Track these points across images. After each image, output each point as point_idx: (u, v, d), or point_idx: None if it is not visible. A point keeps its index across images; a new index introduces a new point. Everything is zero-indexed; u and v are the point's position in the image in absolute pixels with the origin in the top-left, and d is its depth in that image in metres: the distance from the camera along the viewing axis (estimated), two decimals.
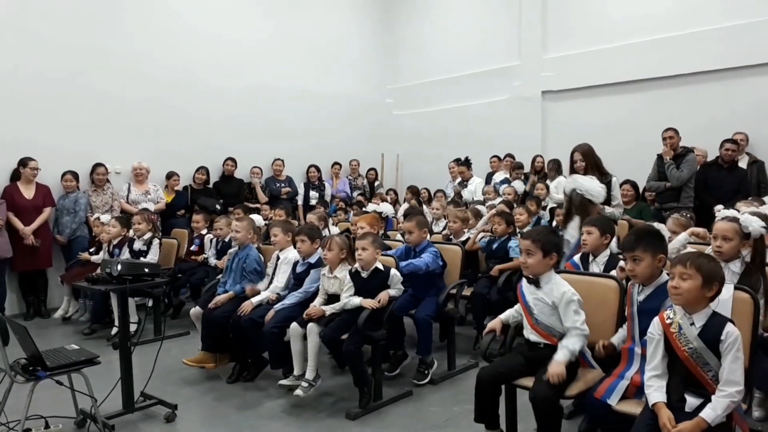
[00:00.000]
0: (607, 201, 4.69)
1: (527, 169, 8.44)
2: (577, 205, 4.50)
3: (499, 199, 6.81)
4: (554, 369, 2.70)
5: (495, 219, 5.24)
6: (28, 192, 6.52)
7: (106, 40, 7.33)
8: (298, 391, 3.76)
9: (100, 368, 3.46)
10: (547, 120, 9.19)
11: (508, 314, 3.18)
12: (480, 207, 6.50)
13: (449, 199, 8.11)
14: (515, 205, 6.28)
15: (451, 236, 5.49)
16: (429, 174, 9.80)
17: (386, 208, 6.67)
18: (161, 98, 7.83)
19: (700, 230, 4.08)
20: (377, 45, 10.97)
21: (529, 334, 3.01)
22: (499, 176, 8.59)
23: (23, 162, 6.47)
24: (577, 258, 3.87)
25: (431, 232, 5.23)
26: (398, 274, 3.98)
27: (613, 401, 2.56)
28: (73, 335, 5.76)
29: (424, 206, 7.98)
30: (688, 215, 4.55)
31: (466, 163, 8.63)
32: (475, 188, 8.30)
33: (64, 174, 6.80)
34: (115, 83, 7.39)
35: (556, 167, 7.81)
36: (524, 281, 3.08)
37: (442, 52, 10.40)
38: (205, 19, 8.41)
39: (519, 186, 7.77)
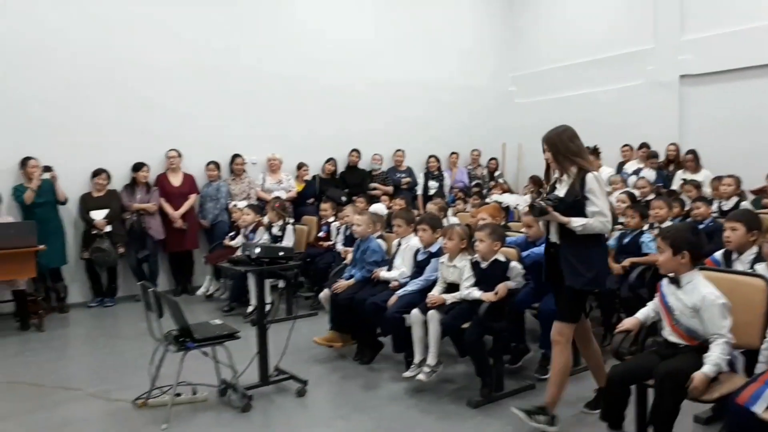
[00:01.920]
0: (580, 210, 3.11)
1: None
2: None
3: (617, 192, 6.37)
4: (698, 381, 2.58)
5: (628, 212, 4.99)
6: (176, 180, 7.23)
7: (239, 41, 7.83)
8: (421, 376, 3.86)
9: (239, 343, 3.78)
10: (686, 106, 8.52)
11: (646, 314, 3.04)
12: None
13: None
14: (652, 196, 5.91)
15: None
16: None
17: (508, 199, 6.57)
18: (290, 95, 8.25)
19: None
20: (499, 31, 10.75)
21: (669, 335, 2.87)
22: (630, 166, 8.15)
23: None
24: (719, 254, 3.61)
25: None
26: (518, 266, 3.94)
27: (758, 409, 2.38)
28: (215, 311, 6.29)
29: None
30: None
31: (595, 152, 8.25)
32: (604, 178, 7.95)
33: (207, 164, 7.46)
34: (251, 82, 7.90)
35: (694, 158, 7.27)
36: (665, 280, 2.95)
37: (568, 36, 9.97)
38: (324, 17, 8.68)
39: (649, 175, 7.32)
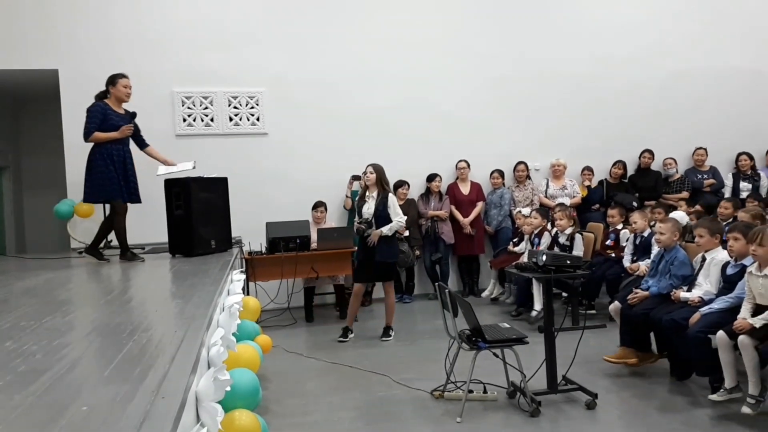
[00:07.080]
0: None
1: None
2: None
3: None
4: None
5: None
6: (465, 189, 7.72)
7: (522, 47, 7.97)
8: (745, 408, 3.47)
9: (526, 348, 3.90)
10: None
11: None
12: None
13: None
14: None
15: None
16: None
17: None
18: (572, 97, 8.08)
19: None
20: None
21: None
22: None
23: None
24: None
25: None
26: None
27: None
28: (499, 314, 6.53)
29: None
30: None
31: None
32: None
33: (491, 172, 7.77)
34: (531, 88, 7.98)
35: None
36: None
37: None
38: (622, 10, 8.29)
39: None
